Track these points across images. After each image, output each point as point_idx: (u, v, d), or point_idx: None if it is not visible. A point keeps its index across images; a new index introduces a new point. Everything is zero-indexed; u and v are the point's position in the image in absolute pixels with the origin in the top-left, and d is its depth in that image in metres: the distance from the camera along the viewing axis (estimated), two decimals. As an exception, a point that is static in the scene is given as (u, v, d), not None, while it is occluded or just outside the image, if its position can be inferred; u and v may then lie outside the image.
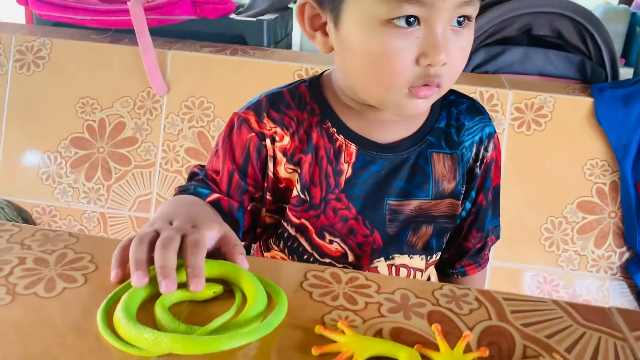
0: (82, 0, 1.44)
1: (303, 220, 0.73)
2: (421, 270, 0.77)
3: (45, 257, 0.56)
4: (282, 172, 0.72)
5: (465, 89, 1.29)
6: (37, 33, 1.42)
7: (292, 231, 0.74)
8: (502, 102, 1.29)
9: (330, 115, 0.71)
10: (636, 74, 1.43)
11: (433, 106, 0.72)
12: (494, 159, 0.77)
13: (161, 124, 1.38)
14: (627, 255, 1.30)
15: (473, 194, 0.77)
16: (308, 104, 0.72)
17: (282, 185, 0.73)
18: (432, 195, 0.73)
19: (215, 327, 0.46)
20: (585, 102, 1.29)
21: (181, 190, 0.71)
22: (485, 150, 0.76)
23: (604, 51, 1.43)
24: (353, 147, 0.70)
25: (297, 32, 1.57)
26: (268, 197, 0.74)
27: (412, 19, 0.58)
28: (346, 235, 0.73)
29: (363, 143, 0.70)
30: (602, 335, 0.52)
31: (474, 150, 0.75)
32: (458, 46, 0.61)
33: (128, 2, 1.36)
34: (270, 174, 0.72)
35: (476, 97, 1.29)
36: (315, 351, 0.45)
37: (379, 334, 0.49)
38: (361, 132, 0.71)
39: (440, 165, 0.73)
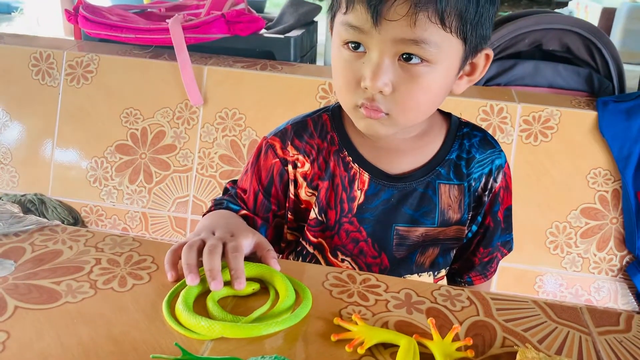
0: (126, 19, 1.58)
1: (320, 240, 0.81)
2: None
3: (116, 259, 0.69)
4: (303, 195, 0.80)
5: (476, 103, 1.39)
6: (86, 49, 1.57)
7: (310, 249, 0.82)
8: (511, 114, 1.39)
9: (347, 144, 0.78)
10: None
11: (446, 137, 0.79)
12: (503, 187, 0.81)
13: (197, 133, 1.51)
14: (627, 258, 1.39)
15: (479, 218, 0.83)
16: (328, 133, 0.79)
17: (302, 206, 0.81)
18: (438, 223, 0.79)
19: (255, 317, 0.59)
20: (589, 115, 1.38)
21: (216, 204, 0.82)
22: (495, 181, 0.80)
23: (610, 64, 1.51)
24: (366, 176, 0.77)
25: (322, 43, 1.68)
26: (290, 216, 0.82)
27: (357, 45, 0.66)
28: (356, 256, 0.80)
29: (375, 172, 0.77)
30: (571, 330, 0.62)
31: (483, 180, 0.80)
32: (406, 81, 0.65)
33: (168, 22, 1.49)
34: (292, 196, 0.81)
35: (487, 110, 1.40)
36: (333, 337, 0.57)
37: (385, 325, 0.60)
38: (374, 161, 0.77)
39: (447, 195, 0.78)
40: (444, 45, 0.65)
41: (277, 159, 0.80)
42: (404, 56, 0.65)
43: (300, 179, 0.80)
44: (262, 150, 0.82)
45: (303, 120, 0.81)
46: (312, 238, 0.82)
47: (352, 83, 0.68)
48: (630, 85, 1.53)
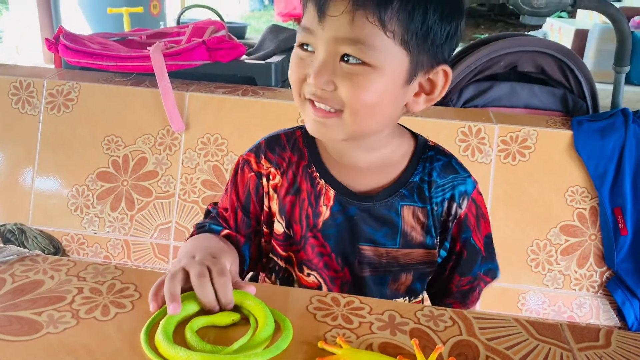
0: (107, 47, 1.59)
1: (289, 253, 0.82)
2: None
3: (98, 287, 0.68)
4: (274, 207, 0.82)
5: (455, 124, 1.42)
6: (66, 77, 1.57)
7: (281, 263, 0.83)
8: (489, 135, 1.42)
9: (316, 160, 0.80)
10: (613, 106, 1.54)
11: (411, 160, 0.80)
12: (472, 214, 0.81)
13: (179, 159, 1.51)
14: (607, 274, 1.41)
15: (447, 244, 0.82)
16: (300, 148, 0.81)
17: (274, 219, 0.83)
18: (400, 244, 0.80)
19: (237, 348, 0.58)
20: (565, 135, 1.41)
21: (198, 227, 0.83)
22: (459, 207, 0.80)
23: (584, 85, 1.55)
24: (332, 192, 0.79)
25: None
26: (265, 229, 0.84)
27: (306, 46, 0.71)
28: (321, 269, 0.81)
29: (341, 189, 0.79)
30: (552, 347, 0.63)
31: (446, 205, 0.80)
32: (346, 80, 0.67)
33: (149, 49, 1.50)
34: (266, 209, 0.83)
35: (465, 131, 1.42)
36: (318, 361, 0.57)
37: (369, 347, 0.61)
38: (340, 178, 0.79)
39: (410, 217, 0.79)
40: (384, 51, 0.67)
41: (252, 173, 0.82)
42: (345, 58, 0.68)
43: (271, 192, 0.82)
44: (239, 167, 0.84)
45: (277, 135, 0.84)
46: (281, 252, 0.83)
47: (301, 79, 0.71)
48: (604, 104, 1.57)
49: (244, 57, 1.62)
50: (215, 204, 0.87)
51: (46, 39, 1.60)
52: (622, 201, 1.37)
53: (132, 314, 0.64)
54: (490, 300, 1.43)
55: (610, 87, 1.57)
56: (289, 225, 0.81)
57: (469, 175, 0.82)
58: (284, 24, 6.10)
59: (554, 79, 1.56)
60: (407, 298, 0.85)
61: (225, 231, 0.81)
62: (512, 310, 1.42)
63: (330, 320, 0.65)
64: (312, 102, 0.71)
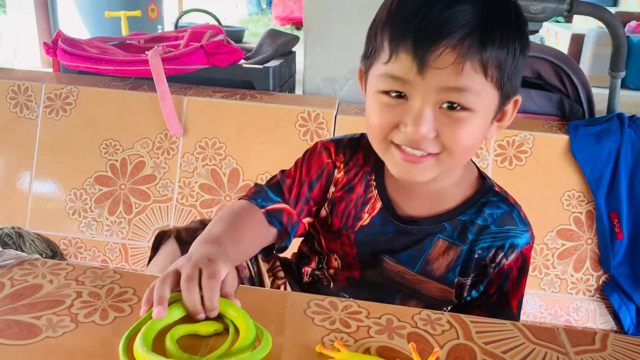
0: (105, 51, 1.59)
1: (322, 234, 0.88)
2: None
3: (97, 291, 0.69)
4: (330, 196, 0.86)
5: (452, 129, 1.42)
6: (65, 81, 1.57)
7: (312, 232, 0.89)
8: (486, 139, 1.42)
9: (377, 169, 0.83)
10: (609, 111, 1.55)
11: (469, 199, 0.79)
12: (517, 266, 0.80)
13: (177, 163, 1.51)
14: (603, 278, 1.41)
15: (482, 287, 0.82)
16: (369, 154, 0.83)
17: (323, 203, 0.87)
18: (418, 270, 0.81)
19: (214, 358, 0.57)
20: (561, 139, 1.42)
21: (255, 191, 0.84)
22: (505, 257, 0.80)
23: (580, 90, 1.56)
24: (379, 204, 0.82)
25: (300, 72, 1.71)
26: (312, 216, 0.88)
27: (400, 93, 0.69)
28: (341, 259, 0.87)
29: (388, 206, 0.81)
30: (548, 350, 0.64)
31: (492, 252, 0.79)
32: (449, 126, 0.68)
33: (147, 53, 1.51)
34: (328, 196, 0.86)
35: (462, 135, 1.43)
36: (316, 365, 0.57)
37: (367, 351, 0.61)
38: (392, 194, 0.81)
39: (440, 250, 0.80)
40: (483, 94, 0.68)
41: (330, 160, 0.86)
42: (446, 104, 0.67)
43: (335, 182, 0.86)
44: (317, 149, 0.87)
45: (359, 137, 0.87)
46: (318, 225, 0.88)
47: (391, 126, 0.70)
48: (600, 108, 1.58)
49: (242, 61, 1.63)
50: (284, 171, 0.89)
51: (44, 43, 1.61)
52: (618, 205, 1.38)
53: (131, 318, 0.64)
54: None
55: (607, 92, 1.58)
56: (330, 214, 0.86)
57: (527, 230, 0.81)
58: (282, 28, 6.12)
59: (551, 84, 1.57)
60: None
61: (280, 205, 0.83)
62: (509, 314, 1.42)
63: (328, 324, 0.65)
64: (398, 146, 0.71)
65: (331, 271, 0.89)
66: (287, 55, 1.77)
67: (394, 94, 0.69)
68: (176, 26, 2.10)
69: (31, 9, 4.05)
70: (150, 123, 1.52)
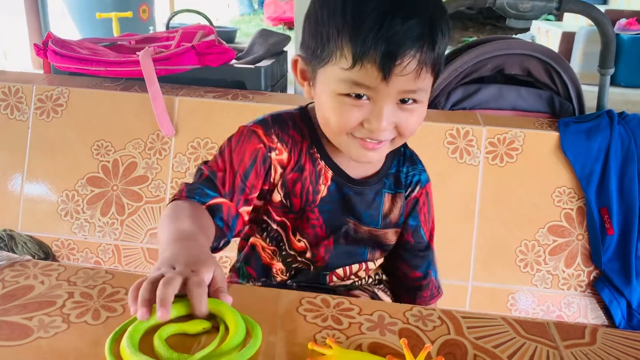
0: (96, 52, 1.59)
1: (283, 219, 0.90)
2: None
3: (89, 292, 0.69)
4: (276, 180, 0.87)
5: (443, 126, 1.44)
6: (55, 83, 1.57)
7: (274, 226, 0.91)
8: (477, 137, 1.43)
9: (316, 142, 0.87)
10: (599, 108, 1.57)
11: (388, 155, 0.89)
12: (418, 199, 0.95)
13: (170, 163, 1.51)
14: (594, 273, 1.43)
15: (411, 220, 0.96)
16: (301, 128, 0.87)
17: (265, 188, 0.87)
18: (381, 226, 0.92)
19: (202, 356, 0.56)
20: (552, 136, 1.43)
21: (188, 190, 0.81)
22: (412, 190, 0.94)
23: (570, 87, 1.57)
24: (330, 173, 0.88)
25: (291, 72, 1.71)
26: (256, 201, 0.87)
27: (362, 96, 0.75)
28: (311, 237, 0.90)
29: (338, 172, 0.88)
30: (539, 344, 0.64)
31: (410, 189, 0.94)
32: (404, 118, 0.78)
33: (138, 54, 1.51)
34: (271, 180, 0.87)
35: (453, 133, 1.44)
36: (308, 362, 0.58)
37: (359, 347, 0.61)
38: (337, 162, 0.88)
39: (389, 202, 0.92)
40: (429, 87, 0.78)
41: (262, 145, 0.85)
42: (401, 100, 0.76)
43: (277, 165, 0.86)
44: (243, 135, 0.85)
45: (279, 113, 0.89)
46: (276, 217, 0.90)
47: (352, 124, 0.77)
48: (590, 105, 1.59)
49: (233, 61, 1.63)
50: (206, 162, 0.86)
51: (35, 45, 1.60)
52: (608, 201, 1.39)
53: (123, 317, 0.64)
54: (480, 300, 1.44)
55: (597, 89, 1.59)
56: (287, 197, 0.88)
57: (424, 169, 0.95)
58: (274, 28, 6.12)
59: (541, 81, 1.58)
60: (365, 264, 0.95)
61: (218, 199, 0.81)
62: (501, 310, 1.43)
63: (320, 322, 0.65)
64: (359, 138, 0.79)
65: (308, 254, 0.91)
66: (279, 55, 1.77)
67: (354, 95, 0.75)
68: (167, 27, 2.09)
69: (22, 10, 4.02)
70: (142, 124, 1.52)
